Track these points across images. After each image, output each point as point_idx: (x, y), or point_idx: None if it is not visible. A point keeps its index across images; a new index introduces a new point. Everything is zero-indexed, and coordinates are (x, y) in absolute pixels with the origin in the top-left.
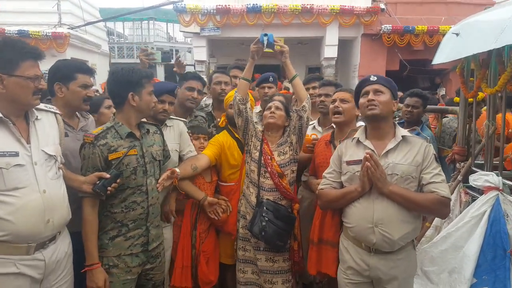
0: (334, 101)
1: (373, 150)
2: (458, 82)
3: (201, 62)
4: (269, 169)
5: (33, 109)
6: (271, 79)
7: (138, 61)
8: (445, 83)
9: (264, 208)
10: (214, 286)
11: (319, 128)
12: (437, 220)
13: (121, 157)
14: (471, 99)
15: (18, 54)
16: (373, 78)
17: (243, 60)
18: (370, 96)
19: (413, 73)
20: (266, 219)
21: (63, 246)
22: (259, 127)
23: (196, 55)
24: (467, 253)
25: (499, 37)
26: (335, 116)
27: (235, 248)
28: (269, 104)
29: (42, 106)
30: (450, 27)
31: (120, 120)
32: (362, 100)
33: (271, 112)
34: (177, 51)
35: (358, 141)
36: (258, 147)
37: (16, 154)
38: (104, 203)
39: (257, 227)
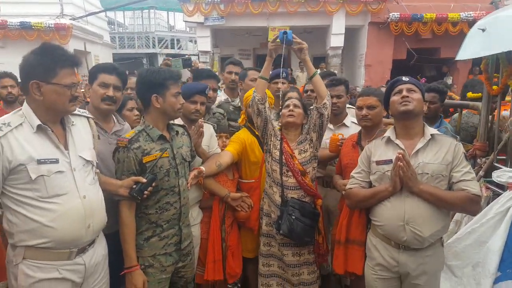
0: (360, 108)
1: (403, 150)
2: (465, 70)
3: (205, 52)
4: (291, 168)
5: (69, 115)
6: (283, 74)
7: (139, 51)
8: (452, 72)
9: (290, 206)
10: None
11: (331, 126)
12: (457, 215)
13: (156, 160)
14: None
15: (57, 61)
16: (405, 79)
17: (247, 50)
18: (404, 93)
19: (420, 62)
20: (293, 217)
21: (100, 249)
22: (277, 125)
23: (200, 45)
24: (492, 248)
25: None
26: (364, 121)
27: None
28: (287, 102)
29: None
30: (459, 15)
31: (149, 122)
32: (395, 98)
33: (289, 110)
34: (178, 40)
35: (388, 140)
36: (278, 146)
37: (57, 161)
38: (139, 205)
39: (285, 225)
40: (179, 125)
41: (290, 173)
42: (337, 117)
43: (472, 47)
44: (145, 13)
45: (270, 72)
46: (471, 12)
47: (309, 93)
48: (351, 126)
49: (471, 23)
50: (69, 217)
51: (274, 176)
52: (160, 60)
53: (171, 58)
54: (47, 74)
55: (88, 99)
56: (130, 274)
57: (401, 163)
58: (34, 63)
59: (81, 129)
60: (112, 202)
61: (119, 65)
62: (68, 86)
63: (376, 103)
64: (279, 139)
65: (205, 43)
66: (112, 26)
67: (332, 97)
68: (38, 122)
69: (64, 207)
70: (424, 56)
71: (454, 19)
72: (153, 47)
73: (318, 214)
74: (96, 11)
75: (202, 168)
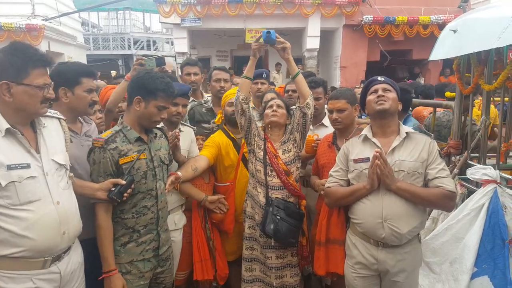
0: (330, 111)
1: (380, 148)
2: (436, 72)
3: (182, 53)
4: (275, 168)
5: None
6: (264, 75)
7: (114, 52)
8: (424, 73)
9: (275, 206)
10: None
11: (310, 126)
12: (434, 212)
13: (133, 161)
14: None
15: (28, 61)
16: (380, 78)
17: (224, 52)
18: (380, 92)
19: (393, 63)
20: (278, 217)
21: (76, 256)
22: (260, 125)
23: (177, 46)
24: (468, 244)
25: (501, 35)
26: (335, 124)
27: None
28: (270, 103)
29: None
30: (429, 18)
31: (128, 123)
32: (371, 97)
33: (273, 111)
34: (154, 41)
35: (365, 139)
36: (262, 146)
37: (28, 166)
38: (115, 209)
39: (269, 226)
40: (157, 128)
41: (274, 173)
42: (316, 117)
43: (446, 48)
44: (120, 14)
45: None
46: (440, 15)
47: (290, 93)
48: (330, 125)
49: (441, 25)
50: (43, 225)
51: (258, 177)
52: None
53: (144, 58)
54: (18, 74)
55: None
56: (109, 279)
57: (379, 161)
58: (4, 63)
59: (53, 131)
60: (89, 208)
61: (92, 66)
62: (40, 87)
63: (345, 105)
64: (262, 139)
65: (182, 45)
66: (86, 28)
67: None
68: (7, 125)
69: (37, 214)
70: (397, 57)
71: (425, 22)
72: (129, 49)
73: (303, 215)
74: (69, 12)
75: (179, 173)
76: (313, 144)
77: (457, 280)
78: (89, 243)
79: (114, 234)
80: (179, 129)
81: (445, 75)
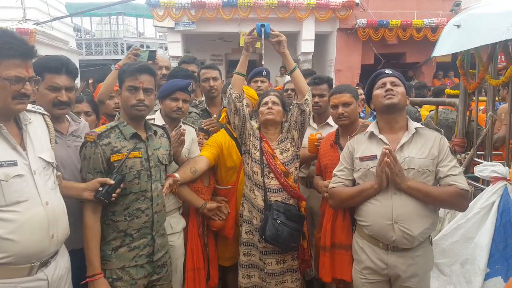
0: (335, 106)
1: (388, 144)
2: (430, 74)
3: (176, 57)
4: (273, 169)
5: (25, 111)
6: (264, 73)
7: (107, 57)
8: (418, 76)
9: (275, 210)
10: None
11: (314, 125)
12: (440, 212)
13: (123, 159)
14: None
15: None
16: (388, 71)
17: (219, 56)
18: (388, 86)
19: (387, 66)
20: (279, 221)
21: (63, 262)
22: (255, 124)
23: (171, 50)
24: (479, 243)
25: (509, 28)
26: (341, 119)
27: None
28: (265, 99)
29: (29, 106)
30: (423, 21)
31: (124, 119)
32: (378, 91)
33: (268, 108)
34: (148, 46)
35: (371, 135)
36: (258, 147)
37: (15, 163)
38: (106, 211)
39: (270, 232)
40: (159, 126)
41: (272, 175)
42: (320, 116)
43: (450, 43)
44: (113, 19)
45: (255, 69)
46: (433, 19)
47: (289, 92)
48: (335, 125)
49: (433, 29)
50: (31, 227)
51: (256, 179)
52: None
53: (141, 48)
54: None
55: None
56: (92, 284)
57: (388, 159)
58: None
59: (37, 127)
60: (78, 215)
61: (85, 71)
62: (9, 79)
63: (351, 99)
64: (258, 138)
65: (176, 48)
66: (79, 33)
67: (314, 96)
68: None
69: (25, 216)
70: (390, 61)
71: (418, 25)
72: (122, 54)
73: (303, 217)
74: (61, 16)
75: (177, 175)
76: (316, 143)
77: (469, 282)
78: (80, 254)
79: (105, 238)
80: (180, 126)
81: (438, 78)
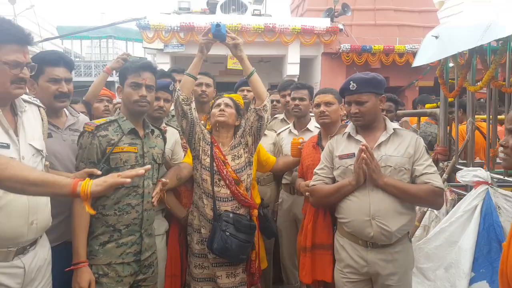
0: (318, 105)
1: (365, 143)
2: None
3: None
4: (223, 177)
5: (20, 99)
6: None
7: (96, 79)
8: (401, 100)
9: (224, 221)
10: None
11: (295, 132)
12: (425, 220)
13: (111, 149)
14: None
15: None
16: (352, 87)
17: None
18: (353, 109)
19: None
20: (227, 233)
21: (43, 252)
22: (205, 128)
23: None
24: (463, 247)
25: (484, 34)
26: (322, 118)
27: (188, 265)
28: (218, 101)
29: (25, 97)
30: (405, 47)
31: (124, 114)
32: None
33: (220, 110)
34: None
35: (349, 136)
36: (208, 152)
37: (7, 146)
38: (96, 204)
39: (218, 244)
40: (155, 127)
41: (222, 183)
42: (301, 121)
43: (429, 53)
44: (103, 42)
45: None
46: (415, 44)
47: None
48: (315, 130)
49: (415, 53)
50: (11, 211)
51: (205, 187)
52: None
53: (130, 54)
54: None
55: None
56: (76, 272)
57: (365, 155)
58: None
59: (31, 118)
60: (64, 209)
61: (74, 92)
62: (9, 63)
63: (333, 100)
64: (209, 143)
65: (164, 69)
66: (69, 54)
67: (295, 99)
68: None
69: (5, 199)
70: None
71: (400, 51)
72: (111, 76)
73: (254, 227)
74: (52, 37)
75: (165, 180)
76: (299, 147)
77: (454, 286)
78: (65, 248)
79: (94, 232)
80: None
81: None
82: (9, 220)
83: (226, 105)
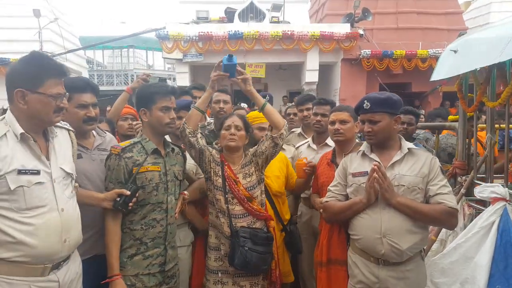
0: (333, 122)
1: (379, 162)
2: (436, 104)
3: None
4: (236, 195)
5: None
6: (267, 97)
7: (118, 88)
8: (424, 106)
9: (241, 237)
10: None
11: (314, 146)
12: (442, 234)
13: (137, 169)
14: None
15: (44, 70)
16: (366, 106)
17: (225, 86)
18: (366, 128)
19: None
20: (246, 248)
21: (75, 267)
22: (214, 150)
23: (179, 81)
24: (479, 263)
25: (503, 50)
26: (336, 135)
27: (204, 283)
28: (228, 122)
29: None
30: (427, 52)
31: (146, 135)
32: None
33: (231, 134)
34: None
35: (363, 154)
36: (219, 173)
37: (38, 172)
38: (124, 220)
39: (238, 259)
40: (175, 144)
41: (235, 200)
42: (320, 136)
43: (446, 68)
44: (124, 52)
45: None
46: (438, 49)
47: (291, 116)
48: (333, 145)
49: (438, 58)
50: (46, 230)
51: (219, 206)
52: None
53: (151, 75)
54: (33, 82)
55: None
56: (111, 284)
57: (377, 175)
58: (21, 71)
59: (62, 141)
60: (93, 224)
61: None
62: (54, 96)
63: (349, 118)
64: (219, 163)
65: (183, 79)
66: (91, 65)
67: (317, 114)
68: (21, 130)
69: (41, 220)
70: (396, 90)
71: (423, 56)
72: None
73: (271, 238)
74: (76, 49)
75: (186, 193)
76: (305, 168)
77: None
78: (93, 261)
79: (122, 245)
80: None
81: (445, 107)
82: (46, 239)
83: (236, 127)
